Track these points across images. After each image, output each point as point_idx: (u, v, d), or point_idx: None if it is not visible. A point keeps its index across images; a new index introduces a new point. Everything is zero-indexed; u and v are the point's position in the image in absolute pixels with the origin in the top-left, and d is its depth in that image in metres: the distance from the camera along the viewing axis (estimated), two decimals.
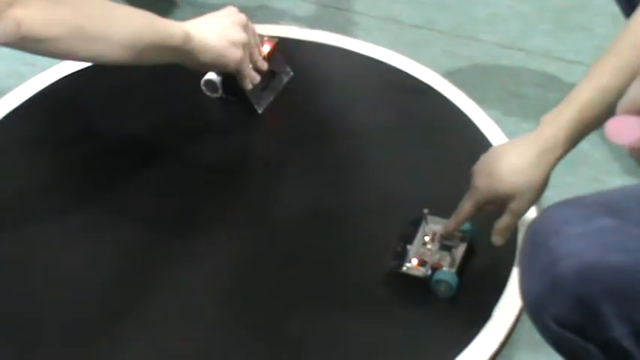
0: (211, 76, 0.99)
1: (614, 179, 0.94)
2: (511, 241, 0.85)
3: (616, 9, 1.16)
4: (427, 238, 0.84)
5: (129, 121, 0.99)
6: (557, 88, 1.05)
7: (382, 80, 1.05)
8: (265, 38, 1.01)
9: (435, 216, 0.85)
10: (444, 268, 0.81)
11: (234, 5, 1.16)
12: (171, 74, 1.03)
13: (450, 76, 1.05)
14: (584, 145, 0.97)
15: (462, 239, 0.84)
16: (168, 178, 0.93)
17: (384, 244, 0.84)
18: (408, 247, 0.82)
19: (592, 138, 0.98)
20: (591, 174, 0.95)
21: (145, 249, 0.85)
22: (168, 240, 0.86)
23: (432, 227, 0.85)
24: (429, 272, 0.81)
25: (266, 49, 0.99)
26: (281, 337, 0.78)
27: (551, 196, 0.92)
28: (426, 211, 0.85)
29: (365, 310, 0.80)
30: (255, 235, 0.87)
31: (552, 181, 0.93)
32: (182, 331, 0.79)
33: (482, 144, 0.95)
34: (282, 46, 1.02)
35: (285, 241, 0.86)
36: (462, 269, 0.81)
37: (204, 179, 0.93)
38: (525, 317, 0.80)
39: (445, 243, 0.83)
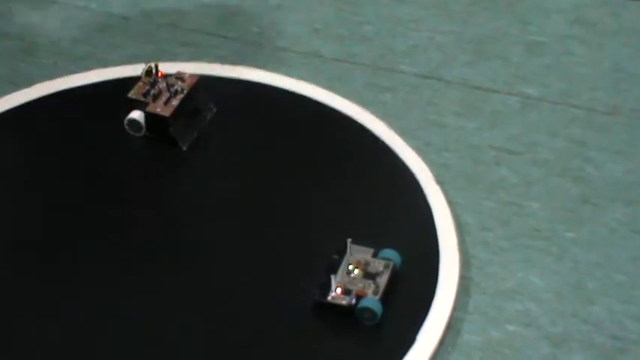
0: (134, 115, 0.99)
1: (532, 203, 0.96)
2: (434, 267, 0.87)
3: (530, 38, 1.20)
4: (351, 267, 0.85)
5: (48, 168, 0.99)
6: (476, 116, 1.07)
7: (305, 114, 1.06)
8: (187, 75, 1.02)
9: (358, 245, 0.86)
10: (369, 296, 0.82)
11: (154, 42, 1.18)
12: (91, 115, 1.04)
13: (372, 107, 1.07)
14: (503, 170, 1.00)
15: (387, 267, 0.85)
16: (92, 220, 0.93)
17: (310, 277, 0.85)
18: (332, 276, 0.83)
19: (510, 164, 1.01)
20: (510, 199, 0.97)
21: (63, 297, 0.86)
22: (87, 287, 0.86)
23: (356, 256, 0.86)
24: (354, 300, 0.82)
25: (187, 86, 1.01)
26: None
27: (472, 222, 0.94)
28: (349, 240, 0.86)
29: (292, 341, 0.81)
30: (180, 273, 0.87)
31: (472, 206, 0.96)
32: None
33: (403, 173, 0.97)
34: (205, 82, 1.03)
35: (211, 279, 0.87)
36: (387, 296, 0.83)
37: (130, 220, 0.93)
38: (449, 341, 0.82)
39: (369, 271, 0.85)
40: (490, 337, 0.83)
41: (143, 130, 0.99)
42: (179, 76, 1.02)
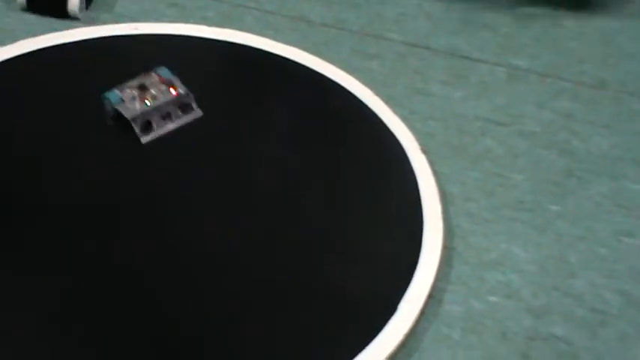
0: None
1: (517, 175, 0.96)
2: (417, 236, 0.87)
3: (519, 9, 1.19)
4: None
5: (25, 129, 0.98)
6: (463, 86, 1.07)
7: (291, 78, 1.05)
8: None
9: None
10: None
11: (141, 2, 1.16)
12: (74, 74, 1.03)
13: (359, 74, 1.06)
14: (488, 141, 1.00)
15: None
16: (63, 192, 0.92)
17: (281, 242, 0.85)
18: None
19: (496, 135, 1.00)
20: (495, 169, 0.96)
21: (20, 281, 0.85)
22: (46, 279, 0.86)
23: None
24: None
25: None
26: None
27: (457, 192, 0.94)
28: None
29: (282, 316, 0.81)
30: (144, 265, 0.86)
31: (457, 176, 0.95)
32: None
33: (388, 139, 0.97)
34: (190, 44, 1.01)
35: (178, 266, 0.86)
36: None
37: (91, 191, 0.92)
38: (430, 311, 0.82)
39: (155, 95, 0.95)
40: (471, 307, 0.83)
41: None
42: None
